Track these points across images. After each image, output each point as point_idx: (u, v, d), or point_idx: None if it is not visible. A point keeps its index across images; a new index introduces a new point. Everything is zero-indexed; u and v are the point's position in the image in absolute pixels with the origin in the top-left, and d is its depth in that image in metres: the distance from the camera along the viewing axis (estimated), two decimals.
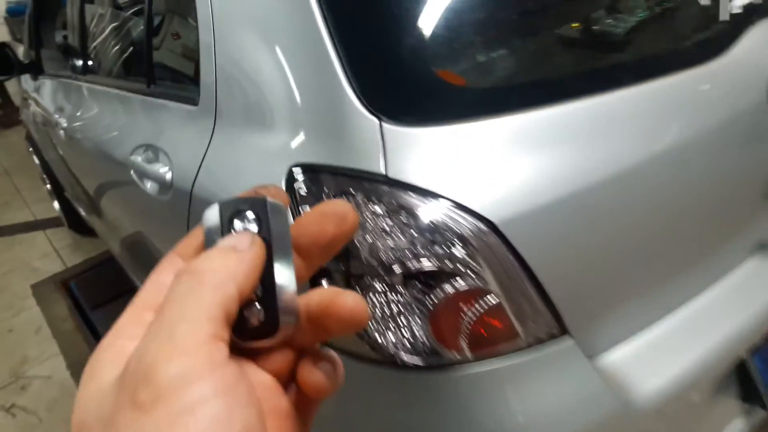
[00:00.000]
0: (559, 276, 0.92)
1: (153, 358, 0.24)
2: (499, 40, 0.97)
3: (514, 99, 0.93)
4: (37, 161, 3.36)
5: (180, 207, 1.24)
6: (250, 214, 0.30)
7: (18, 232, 3.78)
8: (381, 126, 0.89)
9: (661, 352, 1.07)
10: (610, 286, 1.01)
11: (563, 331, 0.95)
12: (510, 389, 0.92)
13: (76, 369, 2.44)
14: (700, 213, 1.09)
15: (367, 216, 0.88)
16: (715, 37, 1.06)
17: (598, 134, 0.94)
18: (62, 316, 2.82)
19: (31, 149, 3.40)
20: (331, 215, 0.32)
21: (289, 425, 0.31)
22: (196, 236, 0.32)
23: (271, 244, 0.30)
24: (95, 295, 2.91)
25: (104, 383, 0.26)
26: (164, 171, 1.29)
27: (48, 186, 3.51)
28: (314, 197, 0.91)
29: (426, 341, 0.89)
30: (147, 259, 1.83)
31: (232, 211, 0.30)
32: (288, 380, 0.32)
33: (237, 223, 0.30)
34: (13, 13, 6.18)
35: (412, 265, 0.86)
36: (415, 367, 0.90)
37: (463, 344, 0.90)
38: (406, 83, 0.94)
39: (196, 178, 1.18)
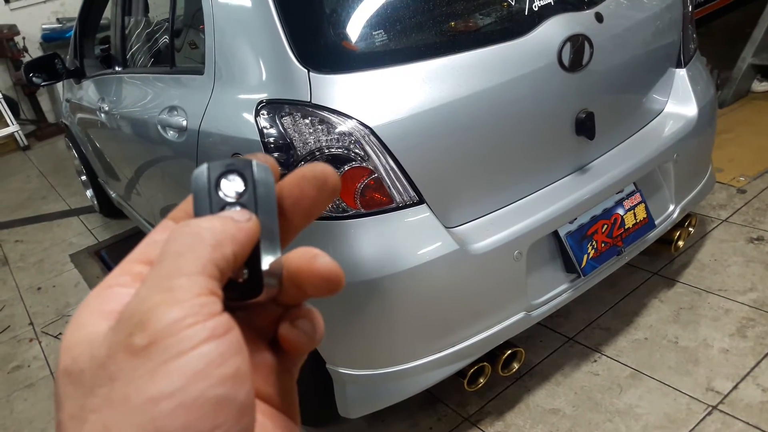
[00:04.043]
0: (419, 163, 1.54)
1: (149, 306, 0.25)
2: (376, 28, 1.60)
3: (387, 59, 1.55)
4: (75, 155, 4.03)
5: (191, 143, 1.87)
6: (236, 175, 0.30)
7: (56, 218, 4.45)
8: (309, 74, 1.52)
9: (496, 225, 1.68)
10: (454, 174, 1.61)
11: (422, 200, 1.56)
12: (387, 231, 1.53)
13: None
14: (524, 135, 1.71)
15: (301, 126, 1.50)
16: (526, 23, 1.68)
17: (444, 79, 1.56)
18: (96, 275, 3.46)
19: (70, 145, 4.08)
20: (312, 178, 0.32)
21: (274, 378, 0.33)
22: (188, 202, 0.32)
23: (257, 205, 0.30)
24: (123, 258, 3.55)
25: (94, 331, 0.26)
26: (181, 120, 1.92)
27: (83, 177, 4.18)
28: (271, 116, 1.54)
29: (335, 202, 1.50)
30: (167, 205, 2.47)
31: (220, 171, 0.30)
32: (273, 336, 0.33)
33: (224, 183, 0.30)
34: (48, 39, 6.87)
35: (327, 151, 1.48)
36: (331, 218, 1.51)
37: (358, 203, 1.51)
38: (324, 50, 1.57)
39: (202, 120, 1.81)
